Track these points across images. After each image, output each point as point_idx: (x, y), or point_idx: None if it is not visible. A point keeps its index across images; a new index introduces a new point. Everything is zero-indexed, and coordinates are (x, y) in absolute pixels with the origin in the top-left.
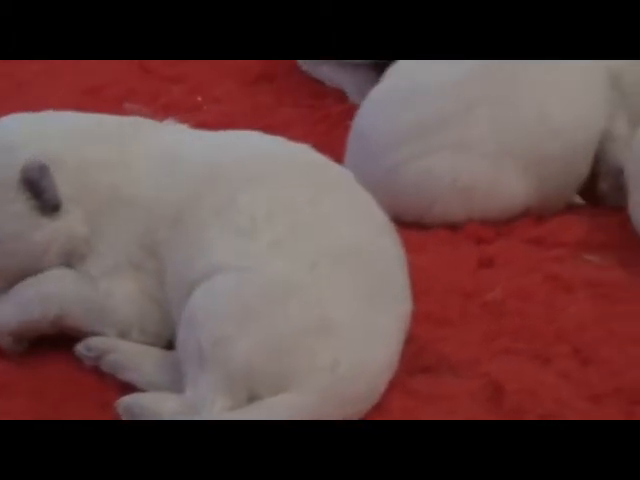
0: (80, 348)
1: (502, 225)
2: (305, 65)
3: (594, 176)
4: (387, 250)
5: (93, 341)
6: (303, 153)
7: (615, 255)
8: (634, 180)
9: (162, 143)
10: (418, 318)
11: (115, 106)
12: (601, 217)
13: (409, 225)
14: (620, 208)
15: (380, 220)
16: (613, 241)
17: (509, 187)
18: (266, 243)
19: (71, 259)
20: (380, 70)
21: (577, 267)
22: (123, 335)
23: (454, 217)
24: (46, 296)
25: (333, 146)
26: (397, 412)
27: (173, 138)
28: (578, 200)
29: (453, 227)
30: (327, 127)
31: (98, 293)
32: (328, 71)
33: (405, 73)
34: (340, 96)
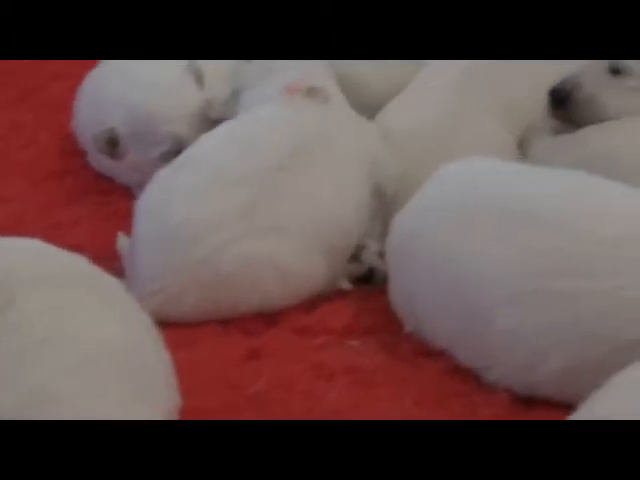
0: None
1: (272, 315)
2: (94, 162)
3: None
4: (150, 349)
5: None
6: (77, 262)
7: (377, 339)
8: (392, 267)
9: None
10: (186, 413)
11: None
12: (368, 300)
13: (178, 322)
14: (385, 290)
15: (143, 321)
16: (376, 325)
17: (318, 269)
18: (35, 341)
19: None
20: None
21: (340, 354)
22: None
23: (271, 302)
24: None
25: None
26: None
27: None
28: (345, 285)
29: (223, 321)
30: (116, 223)
31: None
32: (115, 168)
33: (206, 163)
34: (128, 192)
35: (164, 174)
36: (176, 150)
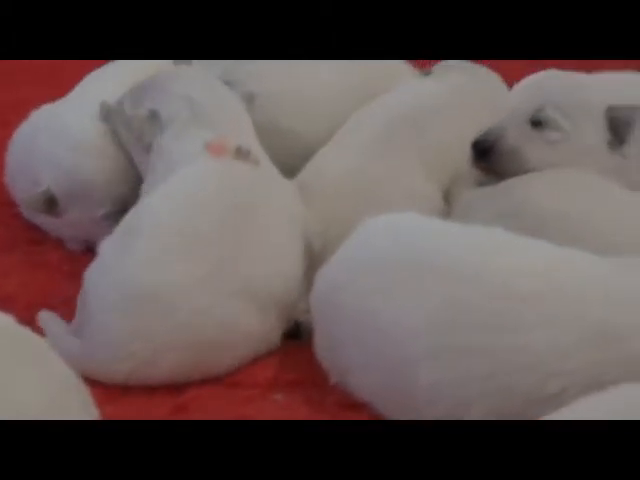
0: None
1: None
2: (25, 212)
3: None
4: (75, 406)
5: None
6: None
7: (301, 392)
8: (316, 319)
9: None
10: None
11: None
12: (293, 353)
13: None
14: (312, 344)
15: (69, 379)
16: (302, 378)
17: (274, 326)
18: None
19: None
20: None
21: (264, 407)
22: None
23: (237, 361)
24: None
25: (51, 292)
26: None
27: None
28: None
29: None
30: (45, 274)
31: None
32: (46, 219)
33: (158, 227)
34: (59, 243)
35: (114, 242)
36: (117, 210)
